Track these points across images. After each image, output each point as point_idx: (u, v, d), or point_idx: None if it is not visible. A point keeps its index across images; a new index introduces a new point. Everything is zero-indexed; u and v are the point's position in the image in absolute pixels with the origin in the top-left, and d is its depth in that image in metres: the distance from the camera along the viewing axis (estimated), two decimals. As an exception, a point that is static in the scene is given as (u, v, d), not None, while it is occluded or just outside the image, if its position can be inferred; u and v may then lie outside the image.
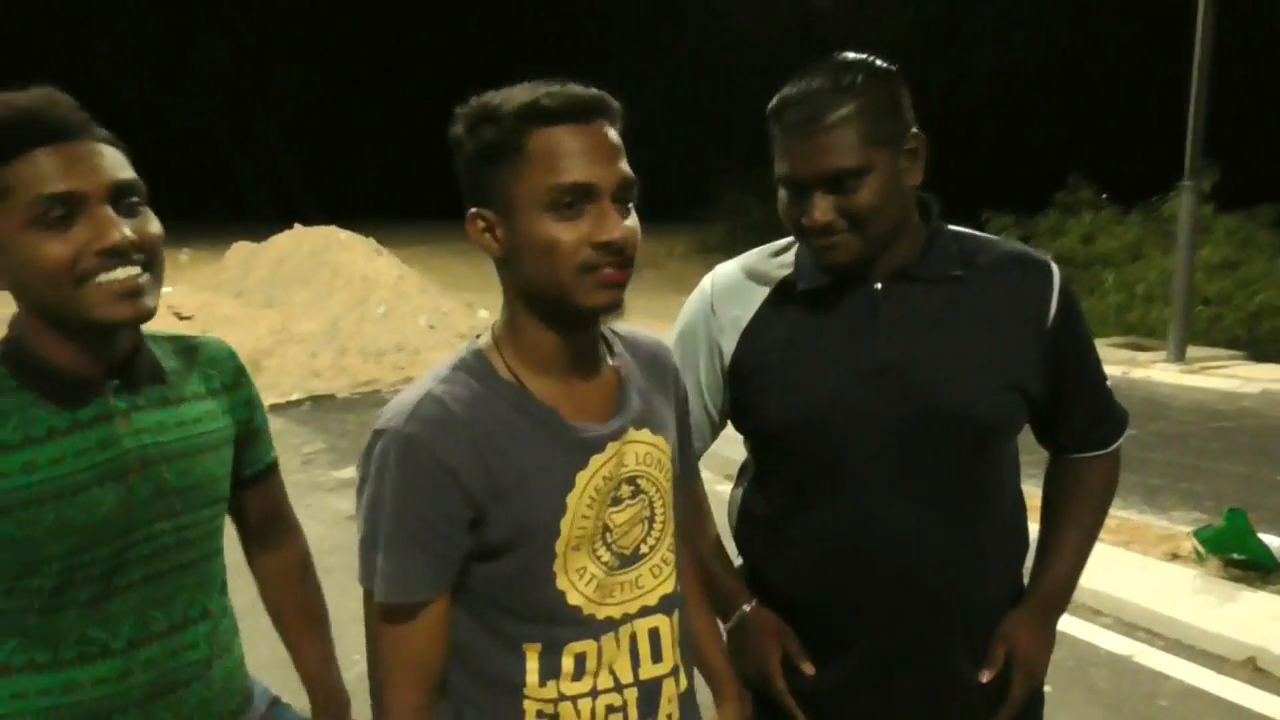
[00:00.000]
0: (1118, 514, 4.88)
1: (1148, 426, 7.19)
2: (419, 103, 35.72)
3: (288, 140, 30.62)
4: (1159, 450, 6.47)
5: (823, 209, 1.27)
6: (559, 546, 1.08)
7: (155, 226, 1.11)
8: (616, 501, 1.13)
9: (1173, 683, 3.39)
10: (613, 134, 1.05)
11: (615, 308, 1.06)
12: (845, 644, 1.42)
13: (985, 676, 1.42)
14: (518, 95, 1.02)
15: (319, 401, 8.31)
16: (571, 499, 1.08)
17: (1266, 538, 4.04)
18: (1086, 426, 1.49)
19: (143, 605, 1.17)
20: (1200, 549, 4.13)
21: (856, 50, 1.32)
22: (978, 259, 1.40)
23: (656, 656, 1.15)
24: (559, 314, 1.07)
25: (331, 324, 10.41)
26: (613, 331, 1.23)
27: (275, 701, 1.42)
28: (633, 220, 1.05)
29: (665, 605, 1.16)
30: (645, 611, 1.15)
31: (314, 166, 31.82)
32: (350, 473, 5.66)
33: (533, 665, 1.11)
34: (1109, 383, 1.50)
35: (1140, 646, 3.67)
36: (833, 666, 1.43)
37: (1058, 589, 1.51)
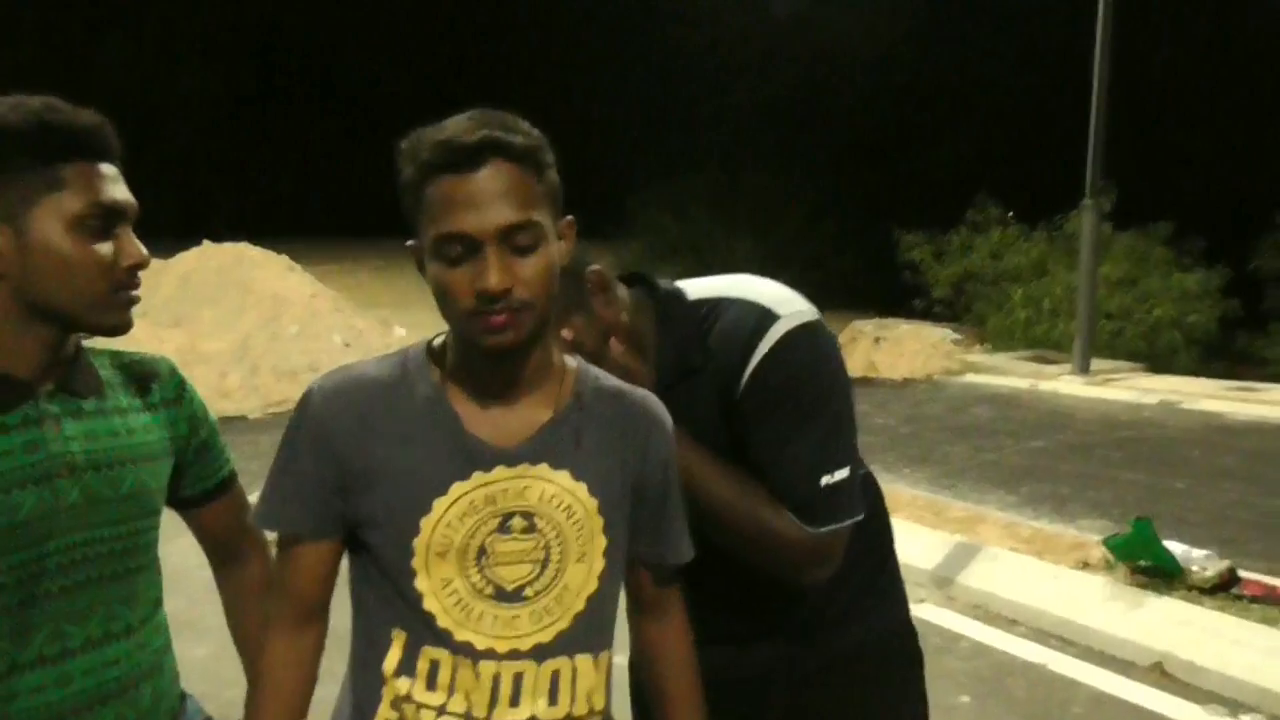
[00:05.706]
0: (1030, 524, 5.02)
1: (1055, 437, 7.42)
2: (336, 114, 35.10)
3: (196, 151, 29.70)
4: (1066, 460, 6.68)
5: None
6: (418, 545, 1.09)
7: None
8: (505, 530, 1.11)
9: (1085, 689, 3.47)
10: (504, 176, 1.03)
11: (506, 349, 1.06)
12: None
13: None
14: (427, 142, 1.04)
15: (228, 423, 8.04)
16: (439, 503, 1.09)
17: (1171, 544, 4.18)
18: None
19: (58, 618, 1.14)
20: (1110, 556, 4.26)
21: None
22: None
23: (515, 701, 1.12)
24: (467, 346, 1.11)
25: (242, 343, 10.11)
26: (597, 378, 1.20)
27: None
28: (532, 261, 1.04)
29: (537, 653, 1.13)
30: (515, 655, 1.12)
31: (224, 180, 30.93)
32: (261, 497, 5.50)
33: (395, 654, 1.13)
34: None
35: (1054, 654, 3.76)
36: None
37: None
